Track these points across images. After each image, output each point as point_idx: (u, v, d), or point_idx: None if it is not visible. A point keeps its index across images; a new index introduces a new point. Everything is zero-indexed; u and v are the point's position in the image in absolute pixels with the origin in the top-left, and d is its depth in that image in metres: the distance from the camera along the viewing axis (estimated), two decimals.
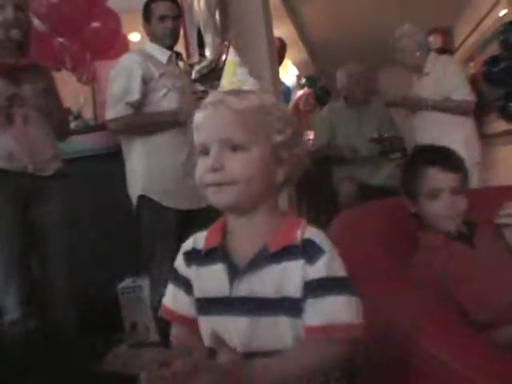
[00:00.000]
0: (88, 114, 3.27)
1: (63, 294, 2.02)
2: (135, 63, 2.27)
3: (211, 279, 0.91)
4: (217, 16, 2.59)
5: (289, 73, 6.42)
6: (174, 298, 0.98)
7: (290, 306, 0.84)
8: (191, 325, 0.95)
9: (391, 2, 5.11)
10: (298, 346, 0.84)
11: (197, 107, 2.28)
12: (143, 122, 2.26)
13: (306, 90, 5.99)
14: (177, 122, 2.21)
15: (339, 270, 0.85)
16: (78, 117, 3.05)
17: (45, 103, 2.01)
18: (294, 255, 0.85)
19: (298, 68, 6.77)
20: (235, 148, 0.86)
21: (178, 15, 2.39)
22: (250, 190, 0.86)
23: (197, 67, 2.29)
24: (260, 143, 0.87)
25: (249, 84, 0.94)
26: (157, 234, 2.22)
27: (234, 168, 0.85)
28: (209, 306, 0.91)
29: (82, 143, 2.66)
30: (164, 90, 2.25)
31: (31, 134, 1.95)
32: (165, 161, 2.24)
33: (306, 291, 0.83)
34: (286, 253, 0.86)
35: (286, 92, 5.66)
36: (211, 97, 0.92)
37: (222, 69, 2.46)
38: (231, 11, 2.72)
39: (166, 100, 2.25)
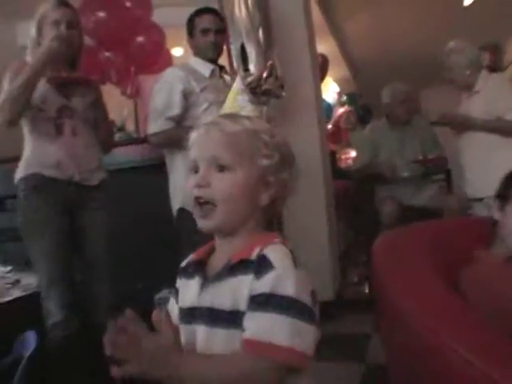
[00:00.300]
0: (131, 126, 3.33)
1: (104, 300, 2.04)
2: (177, 78, 2.30)
3: (189, 290, 0.97)
4: (260, 34, 2.60)
5: (330, 90, 6.39)
6: (171, 310, 1.03)
7: (241, 320, 0.85)
8: None
9: (435, 19, 5.05)
10: (228, 356, 0.85)
11: None
12: (183, 135, 2.27)
13: (347, 107, 5.96)
14: None
15: (289, 290, 0.83)
16: (121, 129, 3.11)
17: (93, 116, 2.08)
18: (248, 269, 0.87)
19: (339, 85, 6.73)
20: (222, 168, 0.91)
21: (221, 29, 2.40)
22: (232, 210, 0.92)
23: (243, 81, 2.30)
24: (246, 165, 0.92)
25: (247, 110, 1.02)
26: (194, 246, 2.22)
27: (219, 187, 0.91)
28: (184, 315, 0.97)
29: (124, 155, 2.70)
30: (205, 105, 2.27)
31: (79, 145, 2.02)
32: None
33: (249, 305, 0.84)
34: (243, 267, 0.88)
35: (327, 109, 5.63)
36: (208, 119, 1.00)
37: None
38: (275, 28, 2.72)
39: (207, 114, 2.25)
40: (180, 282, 1.03)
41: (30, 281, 2.36)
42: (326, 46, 5.34)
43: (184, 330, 0.95)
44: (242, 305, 0.85)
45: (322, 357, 2.62)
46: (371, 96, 5.43)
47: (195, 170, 0.94)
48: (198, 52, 2.42)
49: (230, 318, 0.86)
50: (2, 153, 2.71)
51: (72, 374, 1.84)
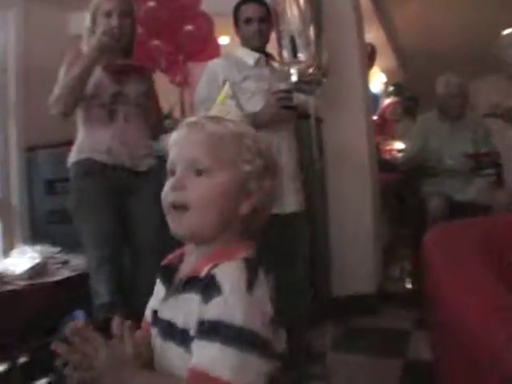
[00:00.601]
0: (178, 113, 3.36)
1: (149, 287, 2.08)
2: (218, 68, 2.30)
3: (157, 295, 0.95)
4: (311, 31, 2.57)
5: (376, 80, 6.29)
6: (148, 309, 1.00)
7: (190, 343, 0.79)
8: None
9: (488, 6, 4.87)
10: (173, 381, 0.81)
11: (277, 107, 2.25)
12: None
13: (393, 98, 5.85)
14: (257, 124, 2.20)
15: (237, 318, 0.75)
16: (168, 116, 3.14)
17: (144, 103, 2.11)
18: (197, 288, 0.80)
19: (386, 75, 6.62)
20: (200, 172, 0.85)
21: (265, 17, 2.35)
22: (207, 217, 0.85)
23: (295, 67, 2.27)
24: (226, 170, 0.86)
25: (233, 114, 0.97)
26: None
27: (195, 191, 0.85)
28: (152, 317, 0.94)
29: None
30: (247, 94, 2.24)
31: (130, 131, 2.06)
32: None
33: (196, 330, 0.78)
34: (193, 284, 0.82)
35: (373, 100, 5.54)
36: (190, 118, 0.93)
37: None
38: (325, 21, 2.69)
39: (250, 104, 2.22)
40: (157, 284, 0.98)
41: (78, 262, 2.43)
42: (373, 35, 5.25)
43: (152, 332, 0.92)
44: (191, 326, 0.79)
45: (361, 350, 2.63)
46: (419, 86, 5.31)
47: (172, 172, 0.88)
48: (243, 41, 2.41)
49: (182, 337, 0.81)
50: (53, 137, 2.79)
51: None
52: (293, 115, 2.22)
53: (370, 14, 4.65)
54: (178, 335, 0.82)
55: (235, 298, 0.76)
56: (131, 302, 2.03)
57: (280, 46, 2.51)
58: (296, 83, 2.27)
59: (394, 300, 3.24)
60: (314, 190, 2.70)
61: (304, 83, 2.45)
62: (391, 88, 6.32)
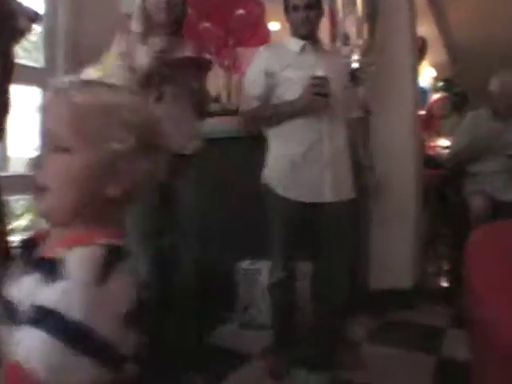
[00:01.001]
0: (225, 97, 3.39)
1: (188, 267, 2.12)
2: (260, 58, 2.30)
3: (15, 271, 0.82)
4: (365, 28, 2.54)
5: (425, 74, 6.16)
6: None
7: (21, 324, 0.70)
8: None
9: None
10: None
11: (311, 94, 2.23)
12: (265, 114, 2.27)
13: (442, 94, 5.71)
14: (294, 111, 2.18)
15: (73, 310, 0.65)
16: (215, 100, 3.17)
17: (193, 88, 2.10)
18: (43, 270, 0.71)
19: (436, 70, 6.47)
20: (58, 148, 0.75)
21: (313, 4, 2.27)
22: (66, 197, 0.76)
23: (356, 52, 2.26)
24: (89, 149, 0.75)
25: (117, 77, 0.83)
26: (275, 222, 2.25)
27: (52, 170, 0.75)
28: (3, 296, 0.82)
29: (218, 124, 2.75)
30: (288, 83, 2.22)
31: (177, 113, 2.04)
32: (286, 150, 2.24)
33: (29, 313, 0.68)
34: (42, 265, 0.72)
35: (422, 94, 5.42)
36: (59, 82, 0.82)
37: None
38: (380, 14, 2.66)
39: (289, 92, 2.20)
40: (17, 257, 0.85)
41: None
42: (425, 28, 5.13)
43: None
44: (26, 305, 0.70)
45: (395, 343, 2.62)
46: (469, 82, 5.18)
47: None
48: (292, 29, 2.38)
49: (20, 320, 0.70)
50: None
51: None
52: (327, 102, 2.15)
53: (424, 9, 4.55)
54: (18, 318, 0.71)
55: (78, 288, 0.67)
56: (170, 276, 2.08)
57: (333, 36, 2.50)
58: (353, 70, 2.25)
59: (429, 296, 3.22)
60: (359, 180, 2.69)
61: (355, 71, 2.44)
62: (440, 83, 6.17)
